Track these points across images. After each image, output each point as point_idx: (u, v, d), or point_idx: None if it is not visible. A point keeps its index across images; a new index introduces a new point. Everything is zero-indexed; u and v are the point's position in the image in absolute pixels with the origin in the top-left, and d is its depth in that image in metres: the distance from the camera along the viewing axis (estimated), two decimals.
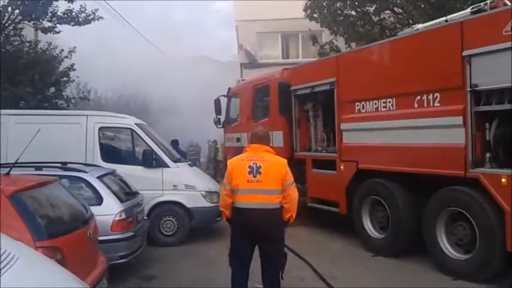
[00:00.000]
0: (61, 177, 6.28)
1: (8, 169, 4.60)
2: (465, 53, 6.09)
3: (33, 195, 4.27)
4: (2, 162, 6.74)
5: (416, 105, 6.92)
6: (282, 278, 4.82)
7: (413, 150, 6.98)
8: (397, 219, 7.30)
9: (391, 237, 7.46)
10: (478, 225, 6.03)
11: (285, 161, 4.94)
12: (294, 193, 4.83)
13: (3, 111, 8.61)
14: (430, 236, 6.69)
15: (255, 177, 4.66)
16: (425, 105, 6.78)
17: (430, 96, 6.69)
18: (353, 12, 14.53)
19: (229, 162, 5.00)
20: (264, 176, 4.66)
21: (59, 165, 6.92)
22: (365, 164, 7.90)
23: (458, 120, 6.22)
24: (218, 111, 13.08)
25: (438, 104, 6.60)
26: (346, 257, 7.59)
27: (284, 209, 4.77)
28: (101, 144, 8.82)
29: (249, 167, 4.70)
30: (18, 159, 4.82)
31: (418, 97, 6.86)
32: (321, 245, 8.44)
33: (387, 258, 7.36)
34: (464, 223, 6.28)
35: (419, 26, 8.27)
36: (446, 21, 7.24)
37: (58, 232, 4.06)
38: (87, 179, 6.42)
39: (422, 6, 12.50)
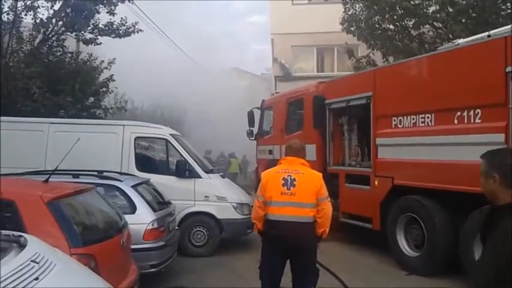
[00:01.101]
0: (97, 185, 6.40)
1: (47, 176, 4.68)
2: (509, 69, 5.93)
3: (70, 203, 4.35)
4: (41, 169, 6.93)
5: (456, 121, 6.75)
6: None
7: (451, 167, 6.78)
8: (433, 237, 7.10)
9: (426, 256, 7.25)
10: None
11: (320, 174, 4.84)
12: (328, 208, 4.71)
13: (43, 119, 8.88)
14: (466, 255, 6.49)
15: (289, 189, 4.59)
16: (465, 121, 6.61)
17: (471, 113, 6.51)
18: (391, 26, 14.37)
19: (263, 174, 4.92)
20: (298, 189, 4.58)
21: (96, 173, 7.03)
22: (401, 180, 7.72)
23: (500, 137, 6.03)
24: (251, 123, 13.13)
25: (479, 121, 6.42)
26: (378, 275, 7.40)
27: (317, 224, 4.66)
28: (136, 154, 8.95)
29: (283, 179, 4.63)
30: (57, 166, 4.92)
31: (459, 113, 6.70)
32: (353, 262, 8.26)
33: (421, 277, 7.16)
34: None
35: (461, 40, 8.11)
36: (489, 36, 7.07)
37: (93, 240, 4.11)
38: (122, 187, 6.50)
39: (464, 21, 12.26)
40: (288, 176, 4.64)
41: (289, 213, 4.59)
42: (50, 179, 5.30)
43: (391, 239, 7.95)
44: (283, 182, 4.62)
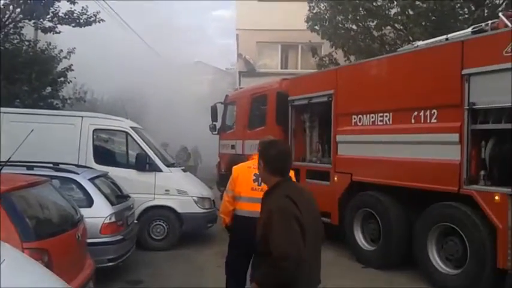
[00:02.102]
0: (52, 177, 6.22)
1: None
2: (464, 71, 6.15)
3: (23, 196, 4.21)
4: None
5: (413, 121, 6.94)
6: None
7: (408, 164, 6.99)
8: (389, 232, 7.30)
9: (381, 249, 7.46)
10: (469, 241, 6.06)
11: (291, 172, 4.78)
12: None
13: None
14: (420, 249, 6.73)
15: (260, 185, 4.42)
16: (422, 121, 6.81)
17: (428, 113, 6.72)
18: (354, 27, 14.58)
19: (234, 168, 4.82)
20: None
21: (51, 165, 6.83)
22: (359, 176, 7.90)
23: (455, 137, 6.26)
24: (214, 117, 13.07)
25: (435, 121, 6.63)
26: (336, 268, 7.51)
27: None
28: (94, 146, 8.74)
29: (255, 174, 4.46)
30: (9, 158, 4.75)
31: (416, 113, 6.89)
32: None
33: (377, 270, 7.36)
34: (456, 238, 6.31)
35: (420, 43, 8.34)
36: (447, 39, 7.34)
37: (46, 234, 4.00)
38: (78, 180, 6.35)
39: (423, 23, 12.57)
40: None
41: (259, 209, 4.56)
42: (3, 171, 5.14)
43: (348, 233, 8.13)
44: (254, 177, 4.52)
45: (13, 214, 3.82)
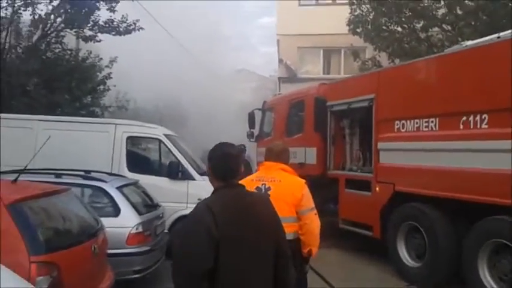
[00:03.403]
0: (80, 186, 6.17)
1: (16, 176, 4.37)
2: None
3: (37, 206, 4.02)
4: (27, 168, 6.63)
5: (461, 127, 6.37)
6: None
7: (455, 174, 6.41)
8: (435, 247, 6.72)
9: (427, 266, 6.88)
10: None
11: (302, 181, 4.02)
12: (312, 222, 3.89)
13: (32, 116, 8.61)
14: (470, 267, 6.11)
15: None
16: (471, 126, 6.22)
17: (478, 118, 6.12)
18: (399, 28, 13.98)
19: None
20: (273, 200, 3.66)
21: (82, 173, 6.74)
22: (403, 186, 7.35)
23: (507, 144, 5.65)
24: (252, 124, 12.80)
25: (486, 126, 6.03)
26: (377, 285, 7.04)
27: (301, 242, 3.90)
28: (127, 154, 8.66)
29: (257, 188, 3.89)
30: (26, 166, 4.62)
31: (464, 118, 6.31)
32: (351, 270, 7.87)
33: None
34: (510, 257, 5.68)
35: (469, 42, 7.73)
36: (498, 37, 6.70)
37: (57, 246, 3.78)
38: (106, 188, 6.22)
39: (473, 23, 11.84)
40: (262, 185, 3.93)
41: None
42: (32, 179, 5.05)
43: (391, 247, 7.60)
44: (256, 191, 3.89)
45: (23, 225, 3.63)
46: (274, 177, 3.96)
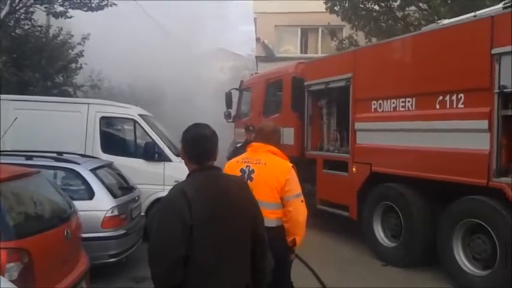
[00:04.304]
0: (52, 168, 5.99)
1: None
2: (494, 51, 5.56)
3: (7, 189, 3.85)
4: None
5: (438, 106, 6.38)
6: None
7: (432, 154, 6.44)
8: (411, 227, 6.80)
9: (403, 246, 6.96)
10: (499, 240, 5.52)
11: (289, 165, 3.73)
12: (296, 209, 3.61)
13: (2, 96, 8.28)
14: (445, 247, 6.21)
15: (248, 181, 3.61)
16: (447, 106, 6.24)
17: (454, 97, 6.14)
18: (376, 7, 13.91)
19: (226, 164, 4.00)
20: (256, 184, 3.50)
21: (54, 155, 6.54)
22: (379, 167, 7.37)
23: (483, 124, 5.69)
24: (229, 104, 12.67)
25: (462, 106, 6.06)
26: (355, 266, 7.11)
27: (286, 230, 3.65)
28: (101, 135, 8.43)
29: (241, 170, 3.68)
30: None
31: (441, 97, 6.32)
32: (329, 252, 7.93)
33: (398, 268, 6.89)
34: (484, 236, 5.78)
35: (446, 21, 7.70)
36: (475, 16, 6.67)
37: (28, 232, 3.64)
38: (79, 171, 6.04)
39: (449, 1, 11.84)
40: (247, 167, 3.70)
41: None
42: None
43: (367, 228, 7.66)
44: (240, 173, 3.67)
45: None
46: (260, 159, 3.74)
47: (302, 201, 3.68)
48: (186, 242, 2.29)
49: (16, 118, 5.39)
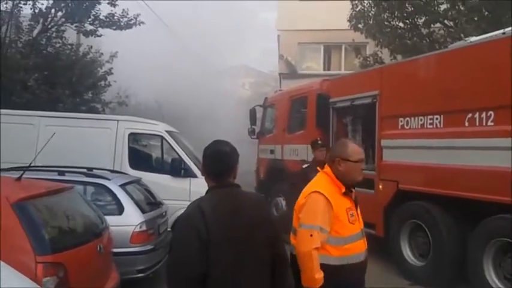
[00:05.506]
0: (83, 183, 6.11)
1: (20, 174, 4.31)
2: None
3: (43, 204, 3.97)
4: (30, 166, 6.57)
5: (466, 124, 6.31)
6: None
7: (460, 172, 6.35)
8: (439, 246, 6.67)
9: (431, 265, 6.83)
10: None
11: (309, 191, 3.21)
12: (298, 242, 3.07)
13: (34, 112, 8.54)
14: (475, 267, 6.07)
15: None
16: (477, 124, 6.16)
17: (484, 115, 6.07)
18: (401, 24, 13.90)
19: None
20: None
21: (84, 170, 6.69)
22: (406, 184, 7.29)
23: (507, 142, 5.63)
24: (253, 121, 12.71)
25: (492, 124, 5.98)
26: (381, 284, 6.99)
27: None
28: (130, 151, 8.59)
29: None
30: (31, 163, 4.57)
31: (470, 115, 6.25)
32: None
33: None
34: None
35: (473, 38, 7.67)
36: (503, 33, 6.64)
37: (63, 246, 3.74)
38: (109, 186, 6.16)
39: (476, 19, 11.76)
40: None
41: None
42: (34, 176, 4.98)
43: (394, 246, 7.54)
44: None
45: (28, 225, 3.57)
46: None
47: (311, 235, 2.99)
48: (204, 259, 2.29)
49: (54, 134, 5.52)
